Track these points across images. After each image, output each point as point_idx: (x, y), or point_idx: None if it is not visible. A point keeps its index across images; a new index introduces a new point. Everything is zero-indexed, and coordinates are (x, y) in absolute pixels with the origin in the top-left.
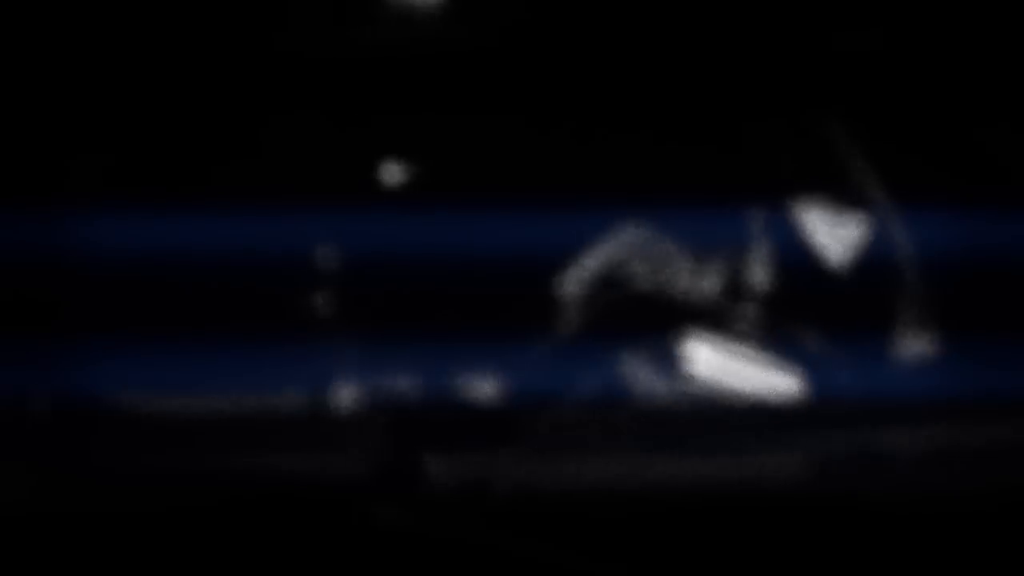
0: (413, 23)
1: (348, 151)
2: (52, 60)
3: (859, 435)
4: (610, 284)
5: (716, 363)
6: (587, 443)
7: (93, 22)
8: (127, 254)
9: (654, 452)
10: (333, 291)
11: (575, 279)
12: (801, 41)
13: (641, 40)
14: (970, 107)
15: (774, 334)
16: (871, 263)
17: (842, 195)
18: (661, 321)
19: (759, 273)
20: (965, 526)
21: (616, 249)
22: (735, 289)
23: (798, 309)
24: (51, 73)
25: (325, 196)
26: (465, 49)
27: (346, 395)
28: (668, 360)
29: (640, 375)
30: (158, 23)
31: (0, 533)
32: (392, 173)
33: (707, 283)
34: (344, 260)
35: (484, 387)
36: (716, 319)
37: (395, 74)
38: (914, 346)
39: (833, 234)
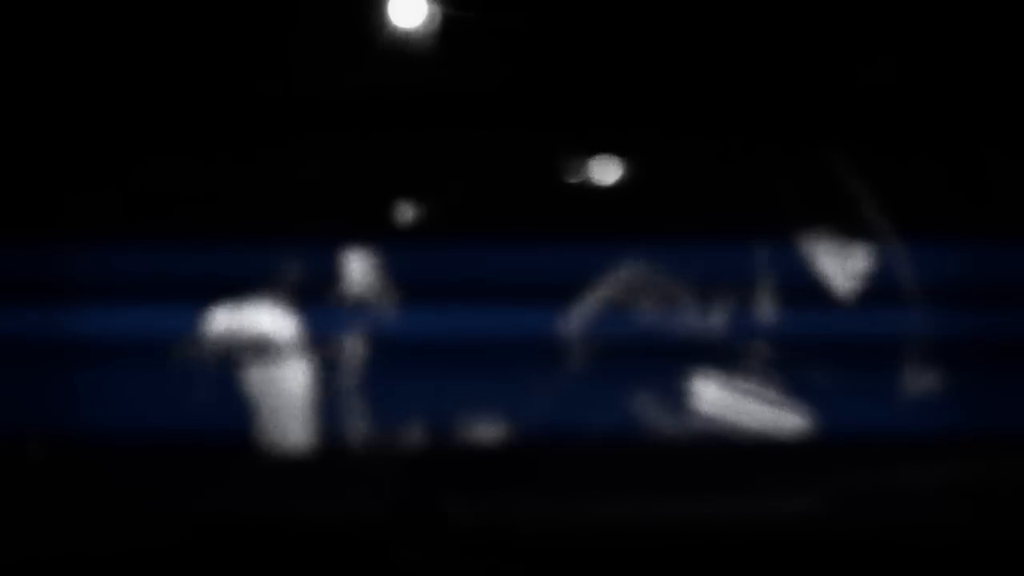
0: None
1: (350, 184)
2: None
3: (868, 470)
4: (616, 321)
5: (724, 399)
6: (596, 480)
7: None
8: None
9: (663, 489)
10: (340, 324)
11: (581, 316)
12: (811, 75)
13: (649, 67)
14: (980, 140)
15: (780, 369)
16: (879, 296)
17: (850, 229)
18: (668, 357)
19: (766, 308)
20: (978, 560)
21: (622, 285)
22: (742, 324)
23: (804, 343)
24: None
25: (328, 229)
26: (458, 86)
27: (358, 433)
28: (677, 397)
29: (648, 412)
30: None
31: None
32: (396, 208)
33: (713, 318)
34: (350, 292)
35: (493, 426)
36: (723, 354)
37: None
38: (922, 380)
39: (841, 268)
